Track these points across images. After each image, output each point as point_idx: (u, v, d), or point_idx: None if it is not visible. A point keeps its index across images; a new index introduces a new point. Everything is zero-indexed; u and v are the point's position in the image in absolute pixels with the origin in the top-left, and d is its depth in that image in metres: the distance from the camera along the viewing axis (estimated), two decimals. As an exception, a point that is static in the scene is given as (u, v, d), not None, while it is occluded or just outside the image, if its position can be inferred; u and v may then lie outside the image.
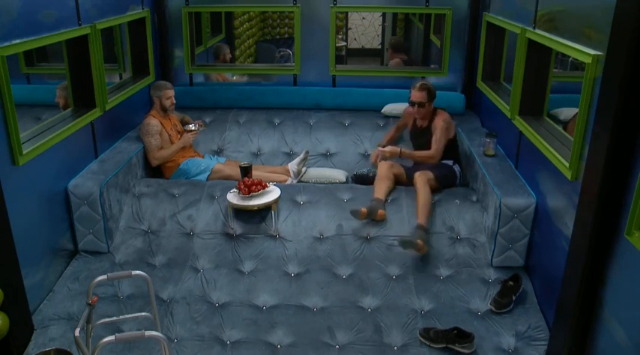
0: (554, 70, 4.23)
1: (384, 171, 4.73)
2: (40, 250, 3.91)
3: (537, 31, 4.00)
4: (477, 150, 4.86)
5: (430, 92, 4.83)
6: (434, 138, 4.77)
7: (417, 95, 4.81)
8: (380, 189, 4.61)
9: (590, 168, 2.97)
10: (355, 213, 4.36)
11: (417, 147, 5.03)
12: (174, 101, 5.22)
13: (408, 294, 4.02)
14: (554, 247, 3.62)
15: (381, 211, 4.42)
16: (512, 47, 4.57)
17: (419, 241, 4.13)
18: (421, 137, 4.96)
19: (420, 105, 4.82)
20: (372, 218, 4.41)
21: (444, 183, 4.76)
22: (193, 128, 5.29)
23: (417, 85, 4.85)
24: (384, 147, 4.91)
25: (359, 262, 4.24)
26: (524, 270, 4.14)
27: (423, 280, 4.12)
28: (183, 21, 5.92)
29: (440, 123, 4.79)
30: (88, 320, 3.04)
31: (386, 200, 4.58)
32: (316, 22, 5.89)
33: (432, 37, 7.65)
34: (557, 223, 3.60)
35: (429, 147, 4.80)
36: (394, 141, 5.37)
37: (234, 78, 6.70)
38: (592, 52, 3.11)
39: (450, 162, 4.91)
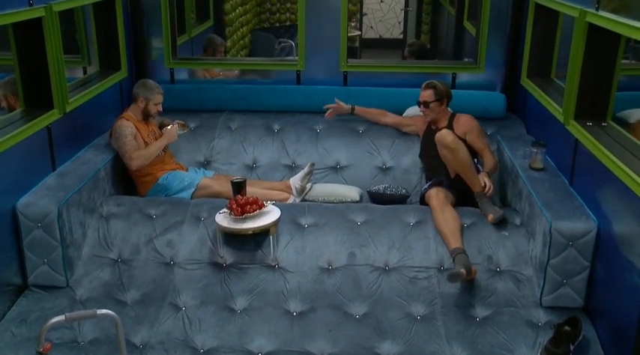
0: (623, 62, 4.16)
1: (447, 210, 4.55)
2: (-22, 285, 3.85)
3: (601, 12, 3.91)
4: (521, 163, 4.82)
5: (437, 90, 5.11)
6: (480, 146, 5.04)
7: (422, 94, 5.16)
8: (455, 234, 4.42)
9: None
10: (456, 277, 4.14)
11: (433, 154, 4.98)
12: (161, 109, 5.26)
13: (437, 339, 3.98)
14: (623, 283, 3.53)
15: (473, 268, 4.25)
16: (568, 35, 4.52)
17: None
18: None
19: (425, 104, 5.13)
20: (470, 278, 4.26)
21: None
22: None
23: (424, 84, 5.19)
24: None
25: (375, 298, 4.23)
26: (584, 312, 4.06)
27: (454, 322, 4.09)
28: (162, 4, 5.91)
29: (469, 125, 5.07)
30: (39, 376, 2.94)
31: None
32: (324, 6, 5.92)
33: (466, 24, 7.66)
34: (627, 253, 3.51)
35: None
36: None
37: (221, 73, 6.70)
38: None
39: None
